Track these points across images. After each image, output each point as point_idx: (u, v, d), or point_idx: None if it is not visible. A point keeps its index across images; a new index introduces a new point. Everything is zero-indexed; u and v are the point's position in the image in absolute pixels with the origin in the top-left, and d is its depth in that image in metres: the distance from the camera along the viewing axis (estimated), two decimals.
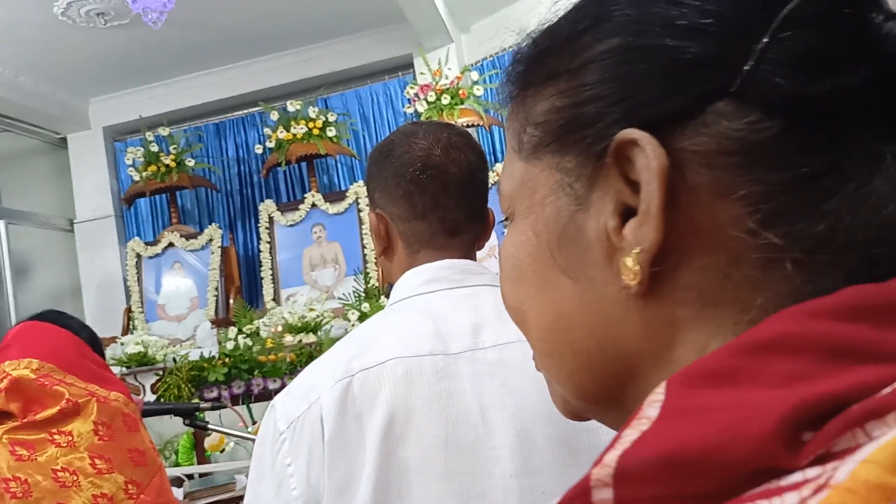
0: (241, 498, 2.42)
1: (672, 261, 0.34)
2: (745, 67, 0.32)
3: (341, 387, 0.88)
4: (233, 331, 4.12)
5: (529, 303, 0.41)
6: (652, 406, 0.30)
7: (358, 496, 0.83)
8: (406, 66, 4.98)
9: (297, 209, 4.81)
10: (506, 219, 0.44)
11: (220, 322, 4.57)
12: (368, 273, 4.40)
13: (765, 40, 0.32)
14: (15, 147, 5.30)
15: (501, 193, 0.44)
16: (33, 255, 5.29)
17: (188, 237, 4.97)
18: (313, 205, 4.78)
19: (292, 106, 4.72)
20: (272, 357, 3.54)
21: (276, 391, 3.49)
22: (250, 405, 3.43)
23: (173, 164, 4.88)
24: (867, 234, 0.32)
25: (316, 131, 4.64)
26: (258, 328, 4.11)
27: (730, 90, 0.33)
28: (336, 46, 4.99)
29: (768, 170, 0.33)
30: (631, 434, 0.30)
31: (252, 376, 3.48)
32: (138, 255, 5.02)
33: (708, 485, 0.27)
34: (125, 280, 5.12)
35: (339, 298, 4.37)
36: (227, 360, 3.55)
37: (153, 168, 4.88)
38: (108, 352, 4.16)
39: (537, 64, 0.41)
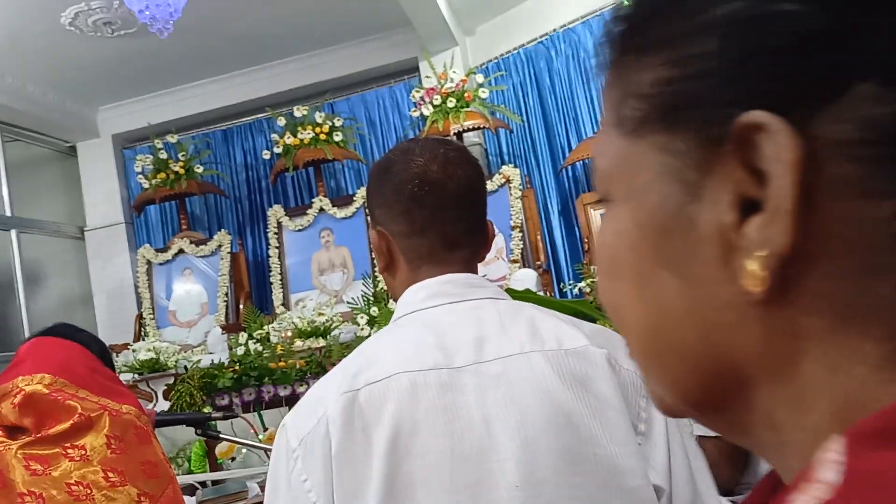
0: None
1: (801, 265, 0.30)
2: None
3: (346, 400, 0.89)
4: (243, 336, 4.15)
5: (627, 300, 0.37)
6: (828, 468, 0.26)
7: None
8: (411, 69, 5.00)
9: (305, 214, 4.83)
10: (600, 200, 0.39)
11: (231, 327, 4.60)
12: (376, 277, 4.42)
13: None
14: (25, 156, 5.35)
15: (596, 171, 0.39)
16: (44, 263, 5.34)
17: (198, 243, 5.01)
18: (321, 209, 4.80)
19: (299, 111, 4.74)
20: (282, 364, 3.57)
21: (287, 398, 3.51)
22: (261, 412, 3.45)
23: (182, 171, 4.92)
24: None
25: (323, 136, 4.67)
26: (268, 333, 4.13)
27: (879, 69, 0.28)
28: (342, 52, 5.01)
29: None
30: (806, 502, 0.26)
31: (262, 383, 3.50)
32: (149, 262, 5.06)
33: None
34: (136, 287, 5.16)
35: (348, 302, 4.39)
36: (237, 367, 3.58)
37: (162, 175, 4.92)
38: (121, 358, 4.20)
39: (643, 26, 0.35)
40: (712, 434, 1.51)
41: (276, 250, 4.82)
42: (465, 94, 4.32)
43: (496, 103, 4.55)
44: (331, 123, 4.71)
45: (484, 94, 4.36)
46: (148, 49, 4.50)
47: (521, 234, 4.23)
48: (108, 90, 5.20)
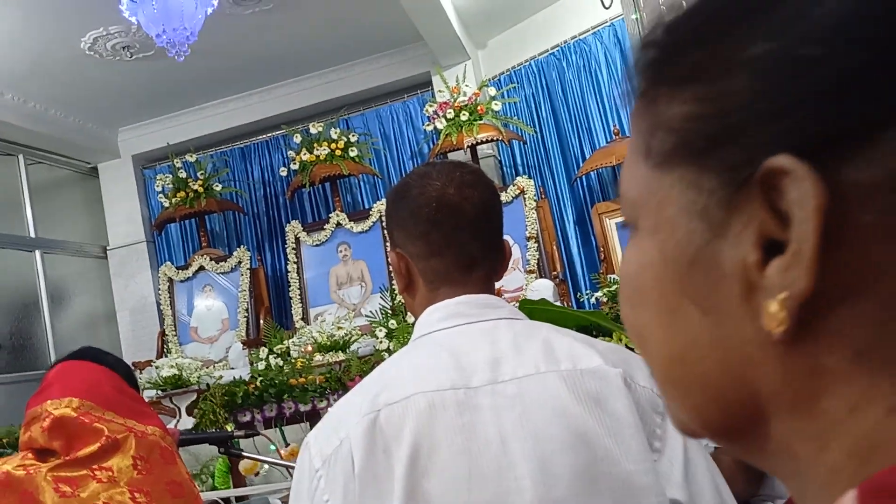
0: None
1: (823, 306, 0.30)
2: None
3: (368, 421, 0.91)
4: (264, 351, 4.19)
5: (651, 328, 0.37)
6: None
7: None
8: (424, 84, 5.04)
9: (323, 229, 4.88)
10: (626, 224, 0.40)
11: (251, 342, 4.64)
12: (394, 290, 4.45)
13: None
14: (48, 178, 5.46)
15: (623, 197, 0.39)
16: (68, 282, 5.43)
17: (218, 260, 5.07)
18: (338, 224, 4.85)
19: (314, 128, 4.80)
20: (302, 380, 3.60)
21: (307, 414, 3.53)
22: (282, 428, 3.48)
23: (201, 189, 4.99)
24: None
25: (338, 152, 4.72)
26: (288, 348, 4.17)
27: None
28: (355, 68, 5.07)
29: None
30: None
31: (283, 400, 3.53)
32: (170, 280, 5.13)
33: None
34: (158, 304, 5.23)
35: (367, 316, 4.42)
36: (258, 383, 3.61)
37: (182, 194, 4.99)
38: (144, 375, 4.25)
39: (674, 58, 0.35)
40: None
41: (295, 265, 4.87)
42: (478, 107, 4.35)
43: (509, 115, 4.57)
44: (346, 139, 4.76)
45: (497, 106, 4.39)
46: (165, 71, 4.58)
47: (536, 245, 4.24)
48: (127, 112, 5.30)
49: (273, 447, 2.14)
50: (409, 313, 4.12)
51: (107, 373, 1.48)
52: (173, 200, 5.02)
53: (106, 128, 5.50)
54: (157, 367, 4.34)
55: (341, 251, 4.87)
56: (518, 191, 4.35)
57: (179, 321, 5.06)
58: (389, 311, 4.30)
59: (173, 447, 1.46)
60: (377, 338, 4.09)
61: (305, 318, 4.76)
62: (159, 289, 5.17)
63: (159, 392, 4.16)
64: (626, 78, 0.38)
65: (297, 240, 4.91)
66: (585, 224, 4.54)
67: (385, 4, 4.06)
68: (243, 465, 2.97)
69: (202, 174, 5.05)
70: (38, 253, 5.12)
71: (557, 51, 4.57)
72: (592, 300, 4.04)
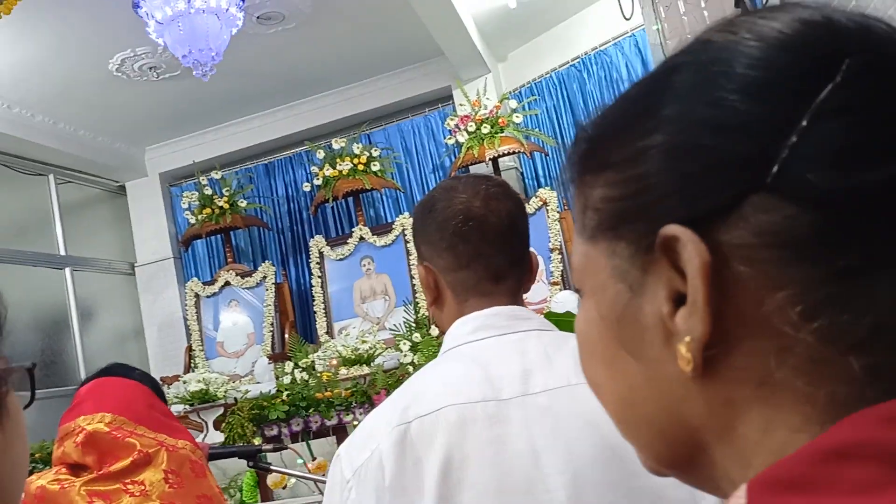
0: None
1: (725, 345, 0.35)
2: (775, 165, 0.33)
3: (398, 433, 0.91)
4: (289, 365, 4.21)
5: (602, 377, 0.43)
6: None
7: None
8: (445, 98, 5.07)
9: (346, 243, 4.91)
10: (577, 290, 0.46)
11: (277, 357, 4.67)
12: (418, 303, 4.45)
13: (793, 139, 0.33)
14: (77, 197, 5.56)
15: (573, 267, 0.46)
16: (97, 299, 5.51)
17: (243, 275, 5.12)
18: (361, 238, 4.87)
19: (337, 143, 4.84)
20: (328, 394, 3.61)
21: (334, 428, 3.54)
22: (309, 442, 3.49)
23: (226, 206, 5.05)
24: None
25: (361, 167, 4.75)
26: (313, 362, 4.19)
27: (765, 185, 0.34)
28: (377, 84, 5.11)
29: (807, 263, 0.34)
30: None
31: (309, 414, 3.55)
32: (197, 295, 5.18)
33: None
34: (185, 319, 5.28)
35: (391, 329, 4.42)
36: (285, 397, 3.64)
37: (208, 210, 5.05)
38: (172, 390, 4.29)
39: (594, 150, 0.42)
40: None
41: (319, 280, 4.90)
42: (500, 120, 4.36)
43: (530, 127, 4.58)
44: (368, 154, 4.80)
45: (518, 118, 4.40)
46: (191, 90, 4.66)
47: (560, 257, 4.22)
48: (154, 131, 5.39)
49: (300, 461, 2.14)
50: (433, 326, 4.13)
51: (137, 388, 1.50)
52: (199, 217, 5.08)
53: (133, 147, 5.60)
54: (184, 382, 4.38)
55: (365, 265, 4.89)
56: (541, 203, 4.34)
57: (206, 336, 5.11)
58: (413, 325, 4.31)
59: (203, 461, 1.47)
60: (401, 351, 4.09)
61: (330, 332, 4.78)
62: (186, 304, 5.23)
63: (187, 407, 4.20)
64: (562, 169, 0.46)
65: (321, 254, 4.94)
66: None
67: (405, 20, 4.09)
68: (271, 479, 2.98)
69: (227, 191, 5.12)
70: (67, 270, 5.21)
71: (578, 62, 4.57)
72: None
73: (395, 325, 4.43)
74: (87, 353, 5.12)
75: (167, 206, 5.72)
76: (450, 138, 4.59)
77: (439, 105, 5.12)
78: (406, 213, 4.82)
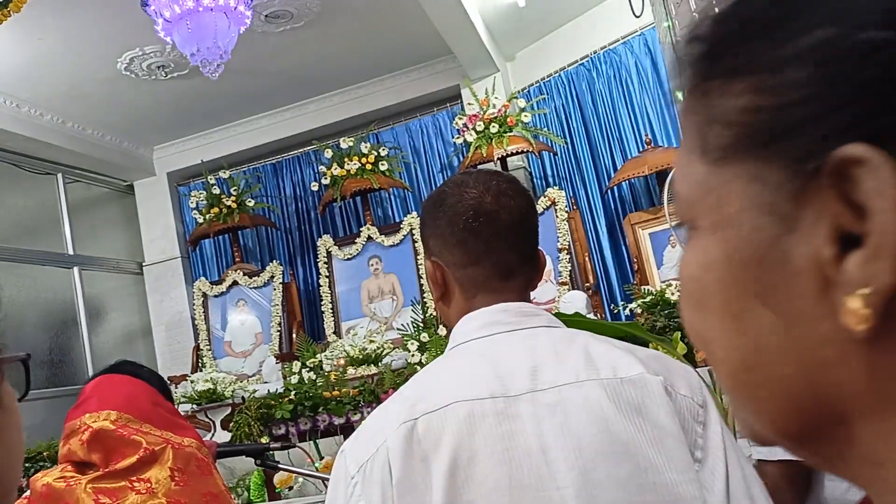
0: None
1: None
2: None
3: (406, 429, 0.90)
4: (297, 365, 4.21)
5: (716, 333, 0.35)
6: None
7: None
8: (454, 97, 5.06)
9: (354, 243, 4.90)
10: (681, 224, 0.38)
11: (285, 356, 4.67)
12: (426, 303, 4.44)
13: None
14: (85, 196, 5.58)
15: (678, 196, 0.38)
16: (105, 298, 5.52)
17: (251, 275, 5.12)
18: (369, 238, 4.87)
19: (345, 143, 4.83)
20: (335, 393, 3.60)
21: (342, 427, 3.53)
22: (317, 441, 3.48)
23: (234, 205, 5.05)
24: None
25: (369, 166, 4.75)
26: (321, 361, 4.18)
27: None
28: (385, 83, 5.11)
29: None
30: None
31: (317, 413, 3.54)
32: (204, 295, 5.19)
33: None
34: (193, 319, 5.29)
35: (399, 329, 4.41)
36: (292, 396, 3.63)
37: (215, 210, 5.06)
38: (179, 389, 4.30)
39: (726, 50, 0.34)
40: (774, 458, 1.46)
41: (327, 279, 4.90)
42: (508, 119, 4.35)
43: (539, 127, 4.56)
44: (376, 153, 4.79)
45: (526, 118, 4.38)
46: (199, 90, 4.67)
47: (568, 256, 4.20)
48: (162, 130, 5.40)
49: (309, 462, 2.14)
50: (441, 326, 4.12)
51: (143, 386, 1.49)
52: (207, 216, 5.09)
53: (141, 146, 5.61)
54: (192, 382, 4.38)
55: (372, 265, 4.88)
56: (549, 202, 4.32)
57: (213, 336, 5.12)
58: (421, 325, 4.30)
59: (209, 458, 1.47)
60: (409, 351, 4.08)
61: (338, 332, 4.78)
62: (194, 304, 5.24)
63: (194, 406, 4.20)
64: (674, 74, 0.37)
65: (329, 254, 4.94)
66: (617, 235, 4.50)
67: (414, 19, 4.09)
68: (277, 478, 2.97)
69: (235, 190, 5.12)
70: (76, 270, 5.22)
71: (587, 61, 4.55)
72: (626, 311, 3.99)
73: (402, 324, 4.42)
74: (95, 353, 5.13)
75: (175, 206, 5.73)
76: (458, 137, 4.58)
77: (448, 104, 5.11)
78: (414, 213, 4.81)
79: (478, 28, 4.18)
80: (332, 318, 4.84)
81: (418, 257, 4.65)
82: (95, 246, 5.50)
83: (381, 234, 4.84)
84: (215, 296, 5.17)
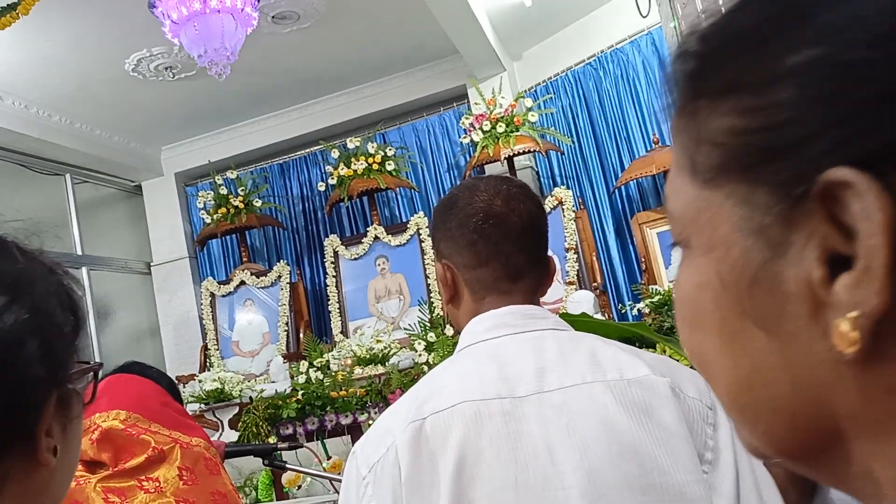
0: None
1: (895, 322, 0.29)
2: None
3: (413, 429, 0.91)
4: (304, 364, 4.22)
5: (714, 354, 0.36)
6: None
7: None
8: (460, 97, 5.06)
9: (361, 243, 4.91)
10: (676, 243, 0.38)
11: (292, 356, 4.68)
12: (433, 303, 4.45)
13: None
14: (93, 196, 5.60)
15: (670, 214, 0.38)
16: (114, 298, 5.55)
17: (258, 275, 5.14)
18: (376, 237, 4.88)
19: (352, 143, 4.84)
20: (343, 392, 3.61)
21: (349, 427, 3.54)
22: (324, 441, 3.49)
23: (242, 206, 5.07)
24: None
25: (375, 166, 4.75)
26: (328, 361, 4.19)
27: None
28: (392, 83, 5.11)
29: None
30: None
31: (325, 412, 3.56)
32: (212, 294, 5.21)
33: None
34: (200, 318, 5.31)
35: (405, 329, 4.42)
36: (300, 396, 3.64)
37: (223, 210, 5.08)
38: (187, 389, 4.32)
39: (715, 67, 0.33)
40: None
41: (334, 279, 4.91)
42: (515, 119, 4.35)
43: (546, 126, 4.56)
44: (383, 153, 4.80)
45: (533, 117, 4.38)
46: (207, 90, 4.68)
47: (576, 256, 4.20)
48: (170, 131, 5.42)
49: (317, 462, 2.14)
50: (448, 326, 4.12)
51: (152, 386, 1.50)
52: (215, 216, 5.11)
53: (149, 147, 5.64)
54: (199, 381, 4.40)
55: (379, 264, 4.89)
56: (556, 202, 4.32)
57: (221, 335, 5.13)
58: (428, 325, 4.30)
59: (217, 458, 1.47)
60: (416, 351, 4.09)
61: (345, 332, 4.79)
62: (202, 303, 5.26)
63: (202, 406, 4.22)
64: (665, 91, 0.37)
65: (336, 254, 4.95)
66: (625, 234, 4.49)
67: (420, 19, 4.09)
68: (285, 478, 2.98)
69: (243, 190, 5.14)
70: (84, 269, 5.25)
71: (594, 60, 4.55)
72: (634, 311, 3.98)
73: (409, 324, 4.43)
74: (104, 352, 5.15)
75: (183, 206, 5.75)
76: (465, 137, 4.58)
77: (454, 104, 5.11)
78: (421, 213, 4.82)
79: (484, 28, 4.18)
80: (340, 318, 4.85)
81: (425, 257, 4.66)
82: (104, 246, 5.52)
83: (387, 234, 4.84)
84: (223, 295, 5.19)
